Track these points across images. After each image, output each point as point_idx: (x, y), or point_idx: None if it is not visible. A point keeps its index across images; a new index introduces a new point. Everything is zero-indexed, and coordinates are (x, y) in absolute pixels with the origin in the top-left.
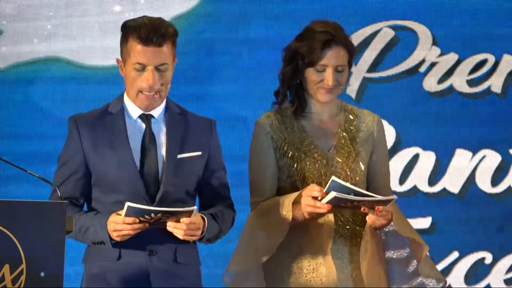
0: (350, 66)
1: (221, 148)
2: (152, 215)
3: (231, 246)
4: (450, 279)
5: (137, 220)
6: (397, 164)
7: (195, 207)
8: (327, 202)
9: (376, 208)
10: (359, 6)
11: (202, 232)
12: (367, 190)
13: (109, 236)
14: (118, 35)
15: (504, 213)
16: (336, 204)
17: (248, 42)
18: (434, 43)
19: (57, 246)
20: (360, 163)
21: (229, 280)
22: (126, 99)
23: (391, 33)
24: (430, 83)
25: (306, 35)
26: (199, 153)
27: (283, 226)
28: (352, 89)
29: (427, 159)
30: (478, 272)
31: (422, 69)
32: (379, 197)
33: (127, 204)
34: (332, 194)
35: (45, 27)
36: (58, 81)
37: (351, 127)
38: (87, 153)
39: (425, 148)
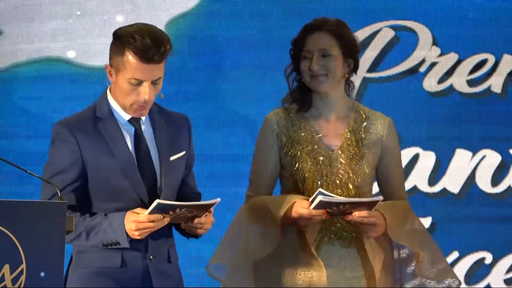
0: (346, 56)
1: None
2: (177, 210)
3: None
4: None
5: (162, 217)
6: None
7: (219, 199)
8: (314, 208)
9: (346, 217)
10: (359, 6)
11: None
12: (381, 194)
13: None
14: None
15: (504, 213)
16: (328, 211)
17: (248, 41)
18: (434, 43)
19: (57, 246)
20: (365, 166)
21: (213, 272)
22: (112, 102)
23: (391, 33)
24: (430, 83)
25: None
26: (184, 152)
27: (273, 240)
28: None
29: (427, 159)
30: (478, 272)
31: (422, 69)
32: (365, 199)
33: (157, 201)
34: (319, 198)
35: (45, 27)
36: (58, 81)
37: (359, 129)
38: (87, 162)
39: (425, 148)
